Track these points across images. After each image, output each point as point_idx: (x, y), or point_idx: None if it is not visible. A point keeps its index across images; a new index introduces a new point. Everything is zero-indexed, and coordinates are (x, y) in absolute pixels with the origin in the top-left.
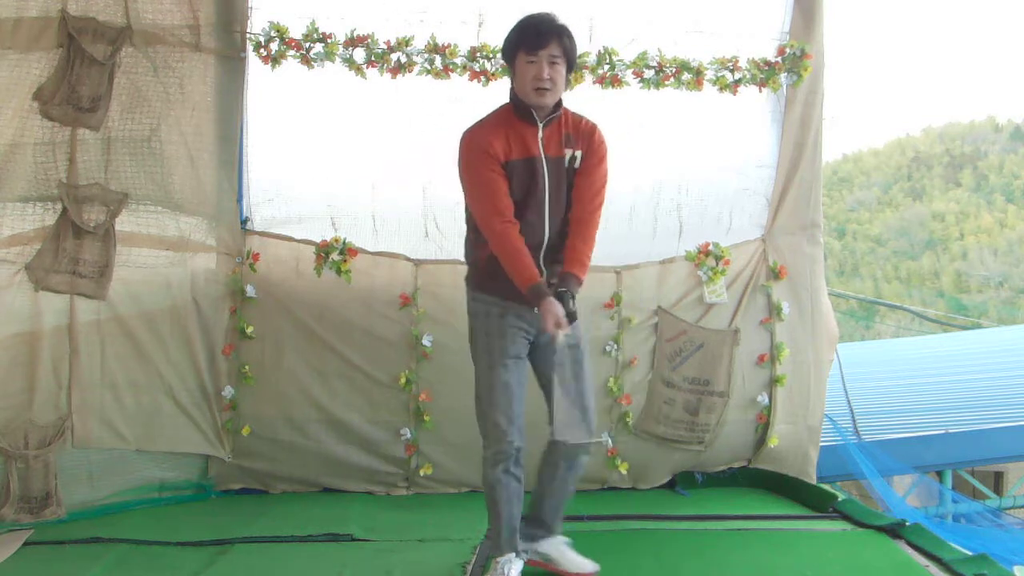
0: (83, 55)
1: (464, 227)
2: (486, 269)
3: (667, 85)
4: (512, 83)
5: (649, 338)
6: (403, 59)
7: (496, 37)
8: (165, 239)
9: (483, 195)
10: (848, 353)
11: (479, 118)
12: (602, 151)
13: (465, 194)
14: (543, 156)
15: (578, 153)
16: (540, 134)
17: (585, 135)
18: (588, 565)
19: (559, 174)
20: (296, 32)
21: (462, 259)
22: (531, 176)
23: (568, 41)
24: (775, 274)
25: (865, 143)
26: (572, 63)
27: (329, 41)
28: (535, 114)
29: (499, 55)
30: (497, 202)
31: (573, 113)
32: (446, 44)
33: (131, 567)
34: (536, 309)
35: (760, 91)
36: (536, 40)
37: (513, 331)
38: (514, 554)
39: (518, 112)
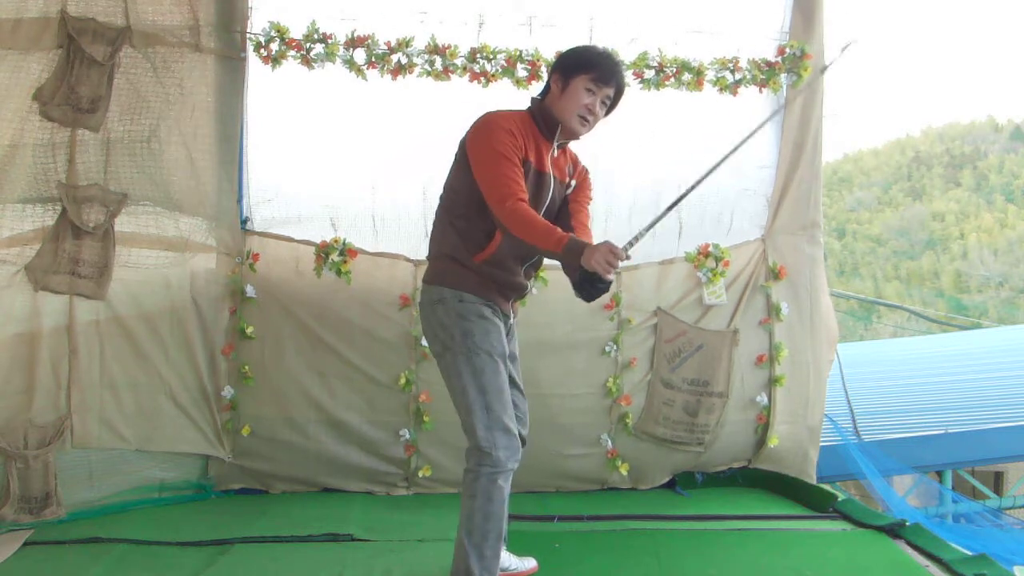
0: (83, 56)
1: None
2: (481, 271)
3: (667, 85)
4: (546, 95)
5: (648, 339)
6: (403, 60)
7: (496, 38)
8: (165, 239)
9: (502, 171)
10: (848, 353)
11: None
12: (590, 194)
13: (476, 169)
14: (551, 175)
15: (573, 182)
16: (553, 153)
17: (581, 174)
18: (533, 561)
19: (557, 196)
20: (296, 32)
21: None
22: (538, 189)
23: (620, 97)
24: (775, 274)
25: (865, 143)
26: (607, 113)
27: (329, 42)
28: (555, 133)
29: (499, 56)
30: (518, 179)
31: (572, 151)
32: (446, 45)
33: (131, 567)
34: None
35: (760, 92)
36: (608, 76)
37: (502, 331)
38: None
39: (539, 125)
